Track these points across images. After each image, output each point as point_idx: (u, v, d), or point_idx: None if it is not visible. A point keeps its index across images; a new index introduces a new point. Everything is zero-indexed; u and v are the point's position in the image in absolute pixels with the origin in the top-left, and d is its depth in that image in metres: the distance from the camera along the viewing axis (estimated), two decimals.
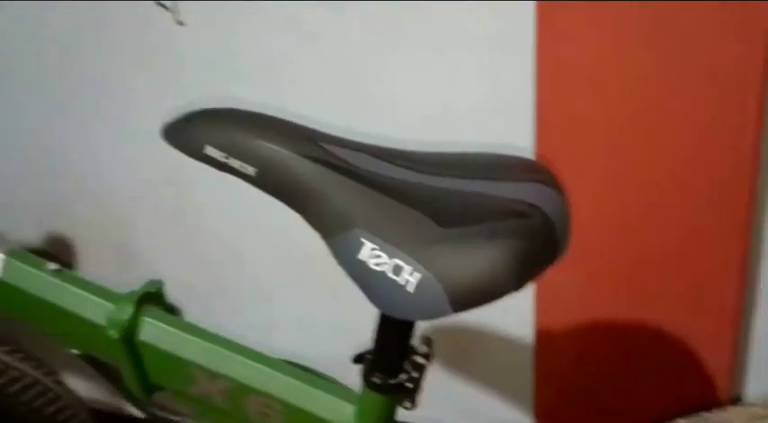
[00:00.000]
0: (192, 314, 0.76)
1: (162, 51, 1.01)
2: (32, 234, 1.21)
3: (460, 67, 0.90)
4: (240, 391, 0.70)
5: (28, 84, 1.11)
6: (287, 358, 0.73)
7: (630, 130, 0.84)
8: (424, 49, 0.90)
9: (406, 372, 0.65)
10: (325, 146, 0.57)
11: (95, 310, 0.70)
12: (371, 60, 0.93)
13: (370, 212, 0.53)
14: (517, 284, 0.51)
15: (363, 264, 0.53)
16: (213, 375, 0.70)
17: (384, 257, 0.52)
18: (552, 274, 0.96)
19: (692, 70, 0.79)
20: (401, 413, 0.68)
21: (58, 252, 1.20)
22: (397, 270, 0.52)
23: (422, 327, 0.62)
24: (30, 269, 0.71)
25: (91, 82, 1.07)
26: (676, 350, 0.94)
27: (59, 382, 0.99)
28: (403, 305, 0.52)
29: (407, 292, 0.52)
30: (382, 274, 0.52)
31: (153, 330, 0.70)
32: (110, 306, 0.70)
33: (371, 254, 0.53)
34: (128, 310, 0.69)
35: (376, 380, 0.65)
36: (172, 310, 0.73)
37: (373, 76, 0.94)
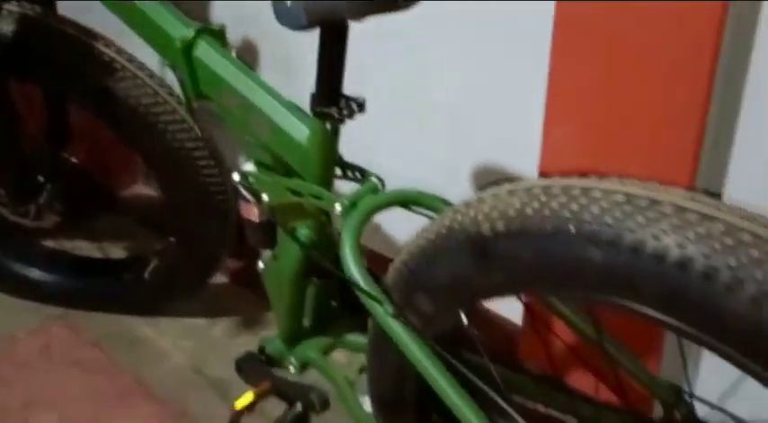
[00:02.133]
0: None
1: None
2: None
3: None
4: (247, 106, 1.00)
5: None
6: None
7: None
8: None
9: (339, 108, 0.91)
10: None
11: (174, 29, 1.04)
12: None
13: None
14: (351, 15, 0.75)
15: None
16: (233, 92, 1.01)
17: None
18: (554, 127, 1.14)
19: None
20: None
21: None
22: None
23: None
24: None
25: None
26: None
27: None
28: (284, 17, 0.79)
29: (287, 8, 0.78)
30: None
31: (204, 51, 1.02)
32: (183, 28, 1.03)
33: None
34: (191, 32, 1.02)
35: (315, 108, 0.92)
36: (225, 46, 1.04)
37: None
